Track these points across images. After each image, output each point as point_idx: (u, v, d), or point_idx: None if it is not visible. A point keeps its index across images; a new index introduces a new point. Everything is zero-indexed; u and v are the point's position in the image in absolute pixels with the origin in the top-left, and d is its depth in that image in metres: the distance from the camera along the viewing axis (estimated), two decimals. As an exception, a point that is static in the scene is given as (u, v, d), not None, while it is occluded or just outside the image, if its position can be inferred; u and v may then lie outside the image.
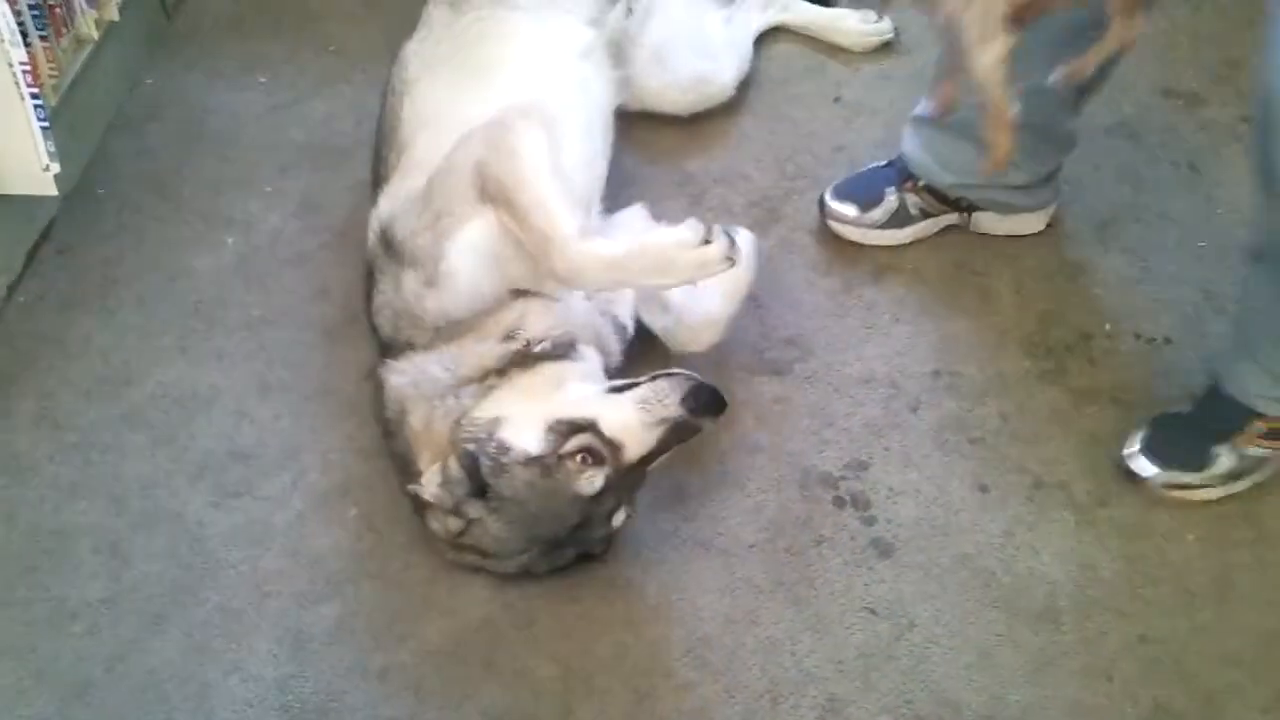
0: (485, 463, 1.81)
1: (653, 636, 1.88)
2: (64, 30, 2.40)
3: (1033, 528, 2.00)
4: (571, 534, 1.84)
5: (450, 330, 1.94)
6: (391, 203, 2.06)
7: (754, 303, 2.18)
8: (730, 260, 1.82)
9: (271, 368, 2.23)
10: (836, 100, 2.69)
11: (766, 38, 2.80)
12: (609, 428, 1.80)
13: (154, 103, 2.70)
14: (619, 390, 1.86)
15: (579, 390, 1.88)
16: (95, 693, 1.82)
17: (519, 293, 1.95)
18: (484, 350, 1.91)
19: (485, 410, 1.86)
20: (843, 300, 2.33)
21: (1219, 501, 2.03)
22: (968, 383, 2.20)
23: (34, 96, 2.07)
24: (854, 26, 2.79)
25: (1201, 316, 2.27)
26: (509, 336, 1.92)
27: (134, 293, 2.34)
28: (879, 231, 2.39)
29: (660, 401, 1.80)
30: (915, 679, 1.84)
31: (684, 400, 1.80)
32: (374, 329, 2.04)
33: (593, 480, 1.80)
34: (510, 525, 1.83)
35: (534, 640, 1.88)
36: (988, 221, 2.37)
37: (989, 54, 1.70)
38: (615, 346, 2.06)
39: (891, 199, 2.36)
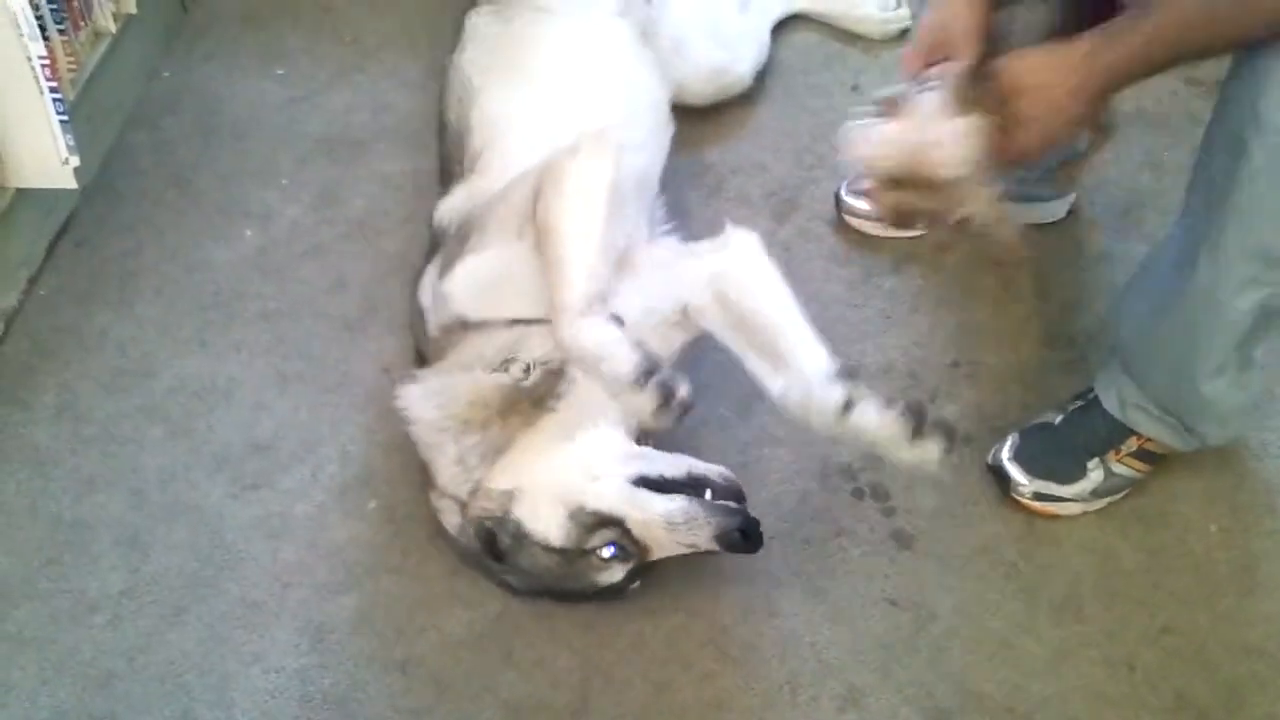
0: (504, 539, 1.80)
1: (671, 627, 1.88)
2: (82, 24, 2.41)
3: (1054, 518, 1.99)
4: (586, 597, 1.84)
5: (444, 342, 1.93)
6: (464, 198, 2.07)
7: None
8: (665, 417, 1.68)
9: (290, 360, 2.23)
10: (855, 89, 2.67)
11: (784, 26, 2.79)
12: (636, 530, 1.76)
13: (172, 95, 2.70)
14: (652, 485, 1.78)
15: (596, 452, 1.82)
16: (117, 684, 1.83)
17: (516, 321, 1.90)
18: (479, 385, 1.86)
19: (499, 480, 1.81)
20: (861, 290, 2.32)
21: (1241, 491, 2.01)
22: (988, 372, 2.19)
23: (53, 90, 2.08)
24: (873, 14, 2.78)
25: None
26: (505, 364, 1.87)
27: (153, 285, 2.35)
28: (896, 222, 2.37)
29: (691, 528, 1.74)
30: (936, 670, 1.83)
31: (717, 538, 1.74)
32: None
33: (614, 574, 1.79)
34: (525, 580, 1.85)
35: (553, 631, 1.88)
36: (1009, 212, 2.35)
37: (983, 201, 1.69)
38: None
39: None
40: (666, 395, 1.67)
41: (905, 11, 2.77)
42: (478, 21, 2.37)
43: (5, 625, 1.88)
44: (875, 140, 1.71)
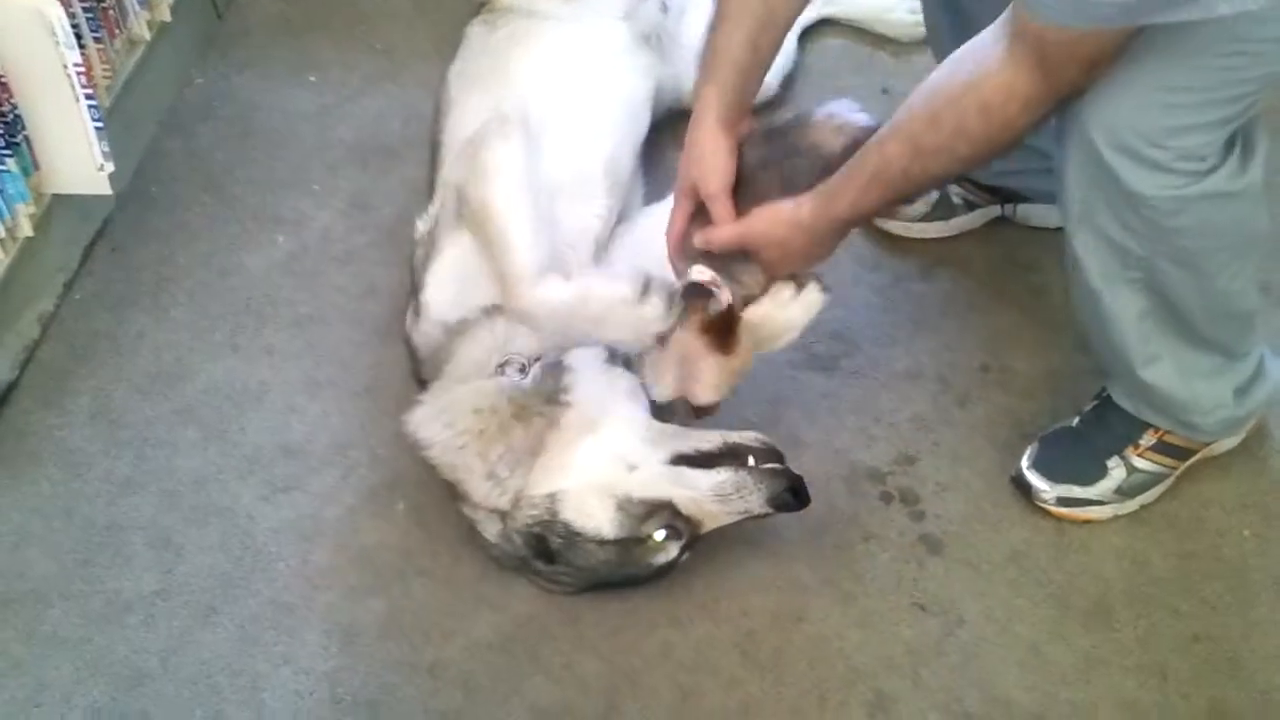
0: (555, 540, 1.81)
1: (699, 633, 1.88)
2: (117, 31, 2.44)
3: (1085, 523, 1.97)
4: (642, 580, 1.86)
5: (436, 359, 1.95)
6: (423, 224, 2.10)
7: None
8: (668, 320, 1.76)
9: (321, 365, 2.25)
10: (885, 92, 2.66)
11: (812, 31, 2.79)
12: (686, 508, 1.79)
13: (205, 102, 2.73)
14: (691, 461, 1.81)
15: (625, 439, 1.84)
16: (150, 683, 1.85)
17: (497, 309, 1.92)
18: (480, 392, 1.87)
19: (538, 485, 1.82)
20: (890, 294, 2.31)
21: (1275, 497, 1.99)
22: (1019, 377, 2.17)
23: (88, 97, 2.10)
24: (902, 17, 2.76)
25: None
26: (500, 368, 1.89)
27: (186, 290, 2.37)
28: (923, 224, 2.36)
29: (742, 497, 1.77)
30: (965, 676, 1.82)
31: (770, 500, 1.77)
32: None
33: (669, 552, 1.81)
34: (573, 575, 1.86)
35: (580, 636, 1.88)
36: (1038, 214, 2.34)
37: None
38: None
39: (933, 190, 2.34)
40: (671, 292, 1.75)
41: (936, 14, 2.76)
42: (471, 32, 2.37)
43: (41, 625, 1.91)
44: (653, 370, 1.86)
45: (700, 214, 1.83)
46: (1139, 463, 1.95)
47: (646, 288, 1.75)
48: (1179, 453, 1.95)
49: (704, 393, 1.84)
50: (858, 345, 2.22)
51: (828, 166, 1.74)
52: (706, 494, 1.78)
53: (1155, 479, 1.97)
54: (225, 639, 1.89)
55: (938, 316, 2.27)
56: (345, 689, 1.84)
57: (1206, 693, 1.80)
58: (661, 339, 1.81)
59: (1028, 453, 2.00)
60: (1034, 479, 1.98)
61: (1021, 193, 2.33)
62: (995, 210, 2.37)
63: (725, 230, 1.79)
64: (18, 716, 1.81)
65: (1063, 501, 1.97)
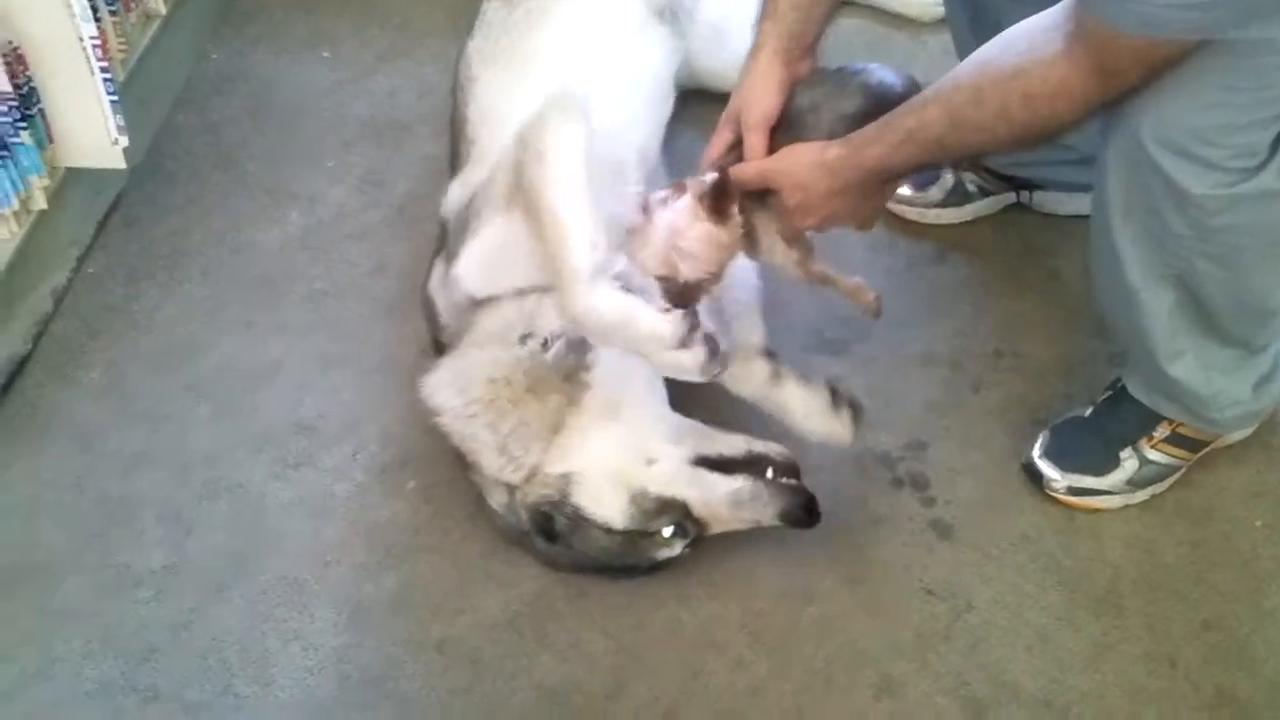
0: (561, 521, 1.81)
1: (706, 613, 1.88)
2: (133, 5, 2.45)
3: (1095, 511, 1.97)
4: (640, 571, 1.87)
5: (457, 327, 1.94)
6: (459, 191, 2.08)
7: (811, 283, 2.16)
8: (711, 371, 1.69)
9: (333, 341, 2.25)
10: (901, 75, 2.65)
11: (830, 12, 2.77)
12: (698, 509, 1.79)
13: (220, 77, 2.73)
14: (711, 464, 1.81)
15: (649, 432, 1.83)
16: (160, 658, 1.85)
17: (529, 291, 1.90)
18: (496, 362, 1.86)
19: (554, 464, 1.82)
20: (904, 278, 2.30)
21: (1286, 486, 1.99)
22: (1032, 363, 2.17)
23: (104, 71, 2.11)
24: None
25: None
26: (522, 339, 1.87)
27: (199, 265, 2.38)
28: (938, 210, 2.36)
29: (756, 506, 1.78)
30: (972, 661, 1.82)
31: (781, 515, 1.78)
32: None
33: (673, 549, 1.82)
34: (571, 556, 1.86)
35: (588, 614, 1.88)
36: (1051, 201, 2.33)
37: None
38: None
39: (948, 176, 2.33)
40: (713, 348, 1.68)
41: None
42: (488, 8, 2.35)
43: (52, 599, 1.91)
44: (634, 242, 1.78)
45: (740, 145, 1.81)
46: (1152, 454, 1.94)
47: (690, 335, 1.67)
48: (1192, 444, 1.95)
49: (691, 267, 1.77)
50: (870, 330, 2.21)
51: (856, 123, 1.72)
52: (722, 499, 1.78)
53: (1168, 470, 1.96)
54: (235, 614, 1.90)
55: (951, 301, 2.27)
56: (354, 665, 1.84)
57: (1215, 681, 1.79)
58: (647, 209, 1.79)
59: (1039, 441, 2.00)
60: (1045, 468, 1.97)
61: (1036, 180, 2.32)
62: (1010, 197, 2.36)
63: (750, 165, 1.77)
64: (28, 688, 1.82)
65: (1073, 491, 1.96)
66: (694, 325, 1.67)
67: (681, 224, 1.77)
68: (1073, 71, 1.49)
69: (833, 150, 1.70)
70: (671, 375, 1.77)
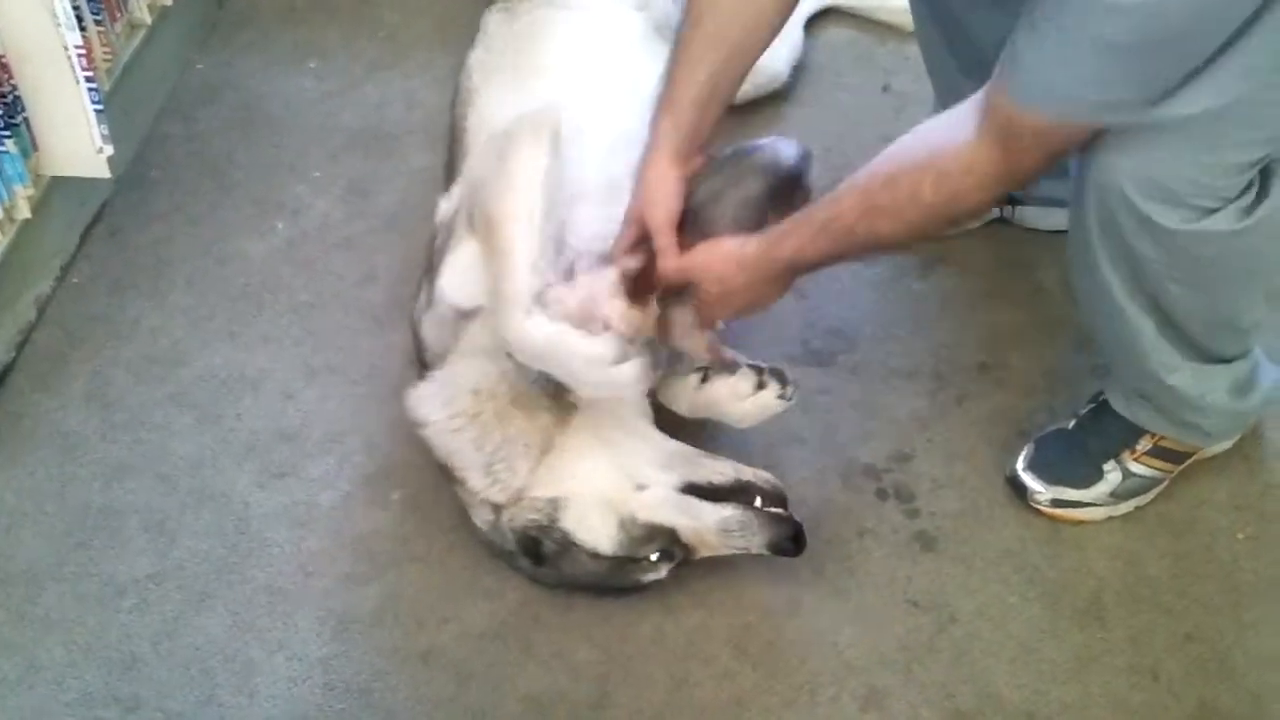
0: (549, 545, 1.81)
1: (692, 623, 1.88)
2: (118, 14, 2.44)
3: (1079, 522, 1.98)
4: (622, 592, 1.87)
5: (444, 340, 1.93)
6: (449, 203, 2.07)
7: (798, 293, 2.16)
8: (651, 377, 1.75)
9: (318, 351, 2.25)
10: (885, 89, 2.67)
11: (816, 23, 2.79)
12: (686, 536, 1.80)
13: (206, 87, 2.73)
14: (700, 491, 1.81)
15: (639, 457, 1.84)
16: (142, 667, 1.84)
17: None
18: (483, 373, 1.85)
19: (542, 488, 1.82)
20: (889, 291, 2.31)
21: (1269, 499, 1.99)
22: (1016, 376, 2.18)
23: (88, 80, 2.10)
24: (905, 3, 2.74)
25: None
26: (509, 352, 1.84)
27: (184, 275, 2.37)
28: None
29: (744, 536, 1.79)
30: (957, 672, 1.83)
31: (769, 545, 1.79)
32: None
33: (659, 572, 1.82)
34: (555, 578, 1.87)
35: (574, 625, 1.88)
36: (1033, 215, 2.34)
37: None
38: None
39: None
40: (652, 364, 1.73)
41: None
42: (489, 20, 2.36)
43: (34, 607, 1.90)
44: (558, 304, 1.79)
45: (646, 240, 1.82)
46: (1135, 467, 1.95)
47: (626, 351, 1.72)
48: (1175, 457, 1.96)
49: (593, 335, 1.77)
50: (856, 341, 2.22)
51: (757, 206, 1.76)
52: (711, 527, 1.79)
53: (1150, 483, 1.97)
54: (219, 624, 1.89)
55: (936, 314, 2.28)
56: (338, 675, 1.84)
57: (1197, 693, 1.80)
58: (569, 275, 1.80)
59: (1023, 454, 2.00)
60: (1029, 480, 1.98)
61: (1018, 195, 2.33)
62: (994, 212, 2.37)
63: (670, 263, 1.78)
64: (9, 698, 1.81)
65: (1057, 503, 1.97)
66: (630, 340, 1.72)
67: (600, 295, 1.79)
68: (979, 147, 1.51)
69: (751, 245, 1.73)
70: (608, 394, 1.79)
